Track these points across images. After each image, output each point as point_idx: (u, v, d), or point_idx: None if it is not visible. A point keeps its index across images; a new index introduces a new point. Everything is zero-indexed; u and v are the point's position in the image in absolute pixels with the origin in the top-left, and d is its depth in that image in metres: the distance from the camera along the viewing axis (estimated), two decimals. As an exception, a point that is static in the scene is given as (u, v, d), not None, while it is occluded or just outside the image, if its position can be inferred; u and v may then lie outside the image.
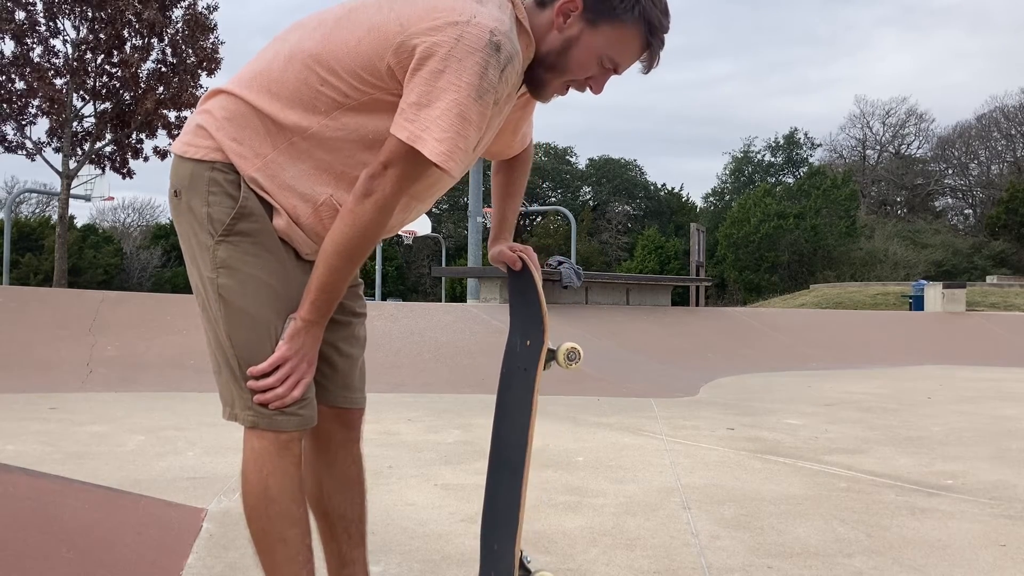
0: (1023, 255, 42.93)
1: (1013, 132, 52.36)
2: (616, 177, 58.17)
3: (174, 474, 3.33)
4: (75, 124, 19.96)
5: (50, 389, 5.74)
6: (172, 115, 20.32)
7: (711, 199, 59.40)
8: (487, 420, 4.91)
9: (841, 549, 2.50)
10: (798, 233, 43.30)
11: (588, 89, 1.54)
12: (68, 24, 19.76)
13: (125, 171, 20.91)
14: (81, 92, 19.81)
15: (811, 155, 56.83)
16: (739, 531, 2.68)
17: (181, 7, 20.01)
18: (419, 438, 4.31)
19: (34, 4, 19.38)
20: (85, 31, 19.68)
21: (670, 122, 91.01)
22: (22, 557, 1.85)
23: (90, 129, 20.19)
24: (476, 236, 13.86)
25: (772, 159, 57.46)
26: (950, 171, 55.64)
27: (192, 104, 20.19)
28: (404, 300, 37.52)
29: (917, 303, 17.71)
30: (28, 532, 1.96)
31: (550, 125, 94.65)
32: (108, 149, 20.60)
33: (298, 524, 1.50)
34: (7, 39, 19.15)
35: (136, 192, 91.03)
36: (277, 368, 1.46)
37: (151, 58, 19.96)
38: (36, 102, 19.44)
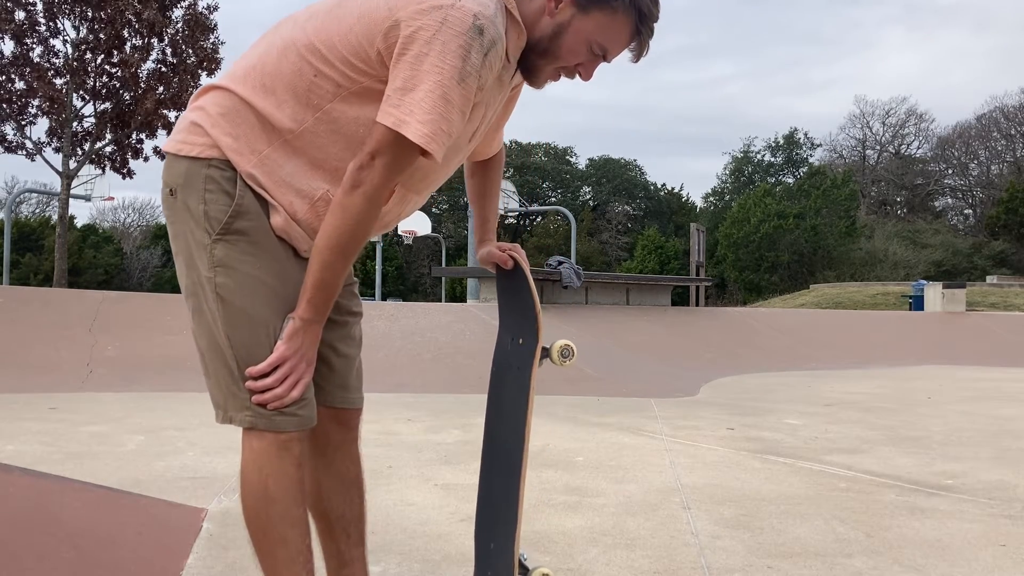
0: (1023, 255, 42.92)
1: (1013, 132, 52.36)
2: (616, 177, 58.17)
3: (174, 474, 3.33)
4: (75, 124, 19.95)
5: (50, 389, 5.74)
6: (172, 115, 20.30)
7: (711, 199, 59.44)
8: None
9: (841, 549, 2.50)
10: (798, 233, 43.31)
11: (577, 76, 1.55)
12: (68, 24, 19.76)
13: (125, 171, 20.90)
14: (81, 92, 19.80)
15: (811, 155, 56.89)
16: (739, 531, 2.68)
17: (181, 7, 20.00)
18: (419, 438, 4.31)
19: (34, 4, 19.37)
20: (85, 31, 19.68)
21: (673, 122, 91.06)
22: (22, 557, 1.85)
23: (90, 129, 20.18)
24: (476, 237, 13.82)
25: (772, 159, 57.48)
26: (950, 171, 55.65)
27: (192, 104, 20.17)
28: (404, 300, 37.51)
29: (917, 303, 17.72)
30: (28, 532, 1.96)
31: (551, 124, 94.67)
32: (108, 149, 20.59)
33: (298, 525, 1.49)
34: (7, 39, 19.14)
35: (136, 192, 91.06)
36: (276, 368, 1.44)
37: (151, 58, 19.95)
38: (36, 102, 19.43)
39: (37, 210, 49.73)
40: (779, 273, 43.94)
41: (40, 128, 22.17)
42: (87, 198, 24.49)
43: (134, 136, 20.49)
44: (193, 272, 1.48)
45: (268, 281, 1.47)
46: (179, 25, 19.99)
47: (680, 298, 18.96)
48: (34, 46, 19.53)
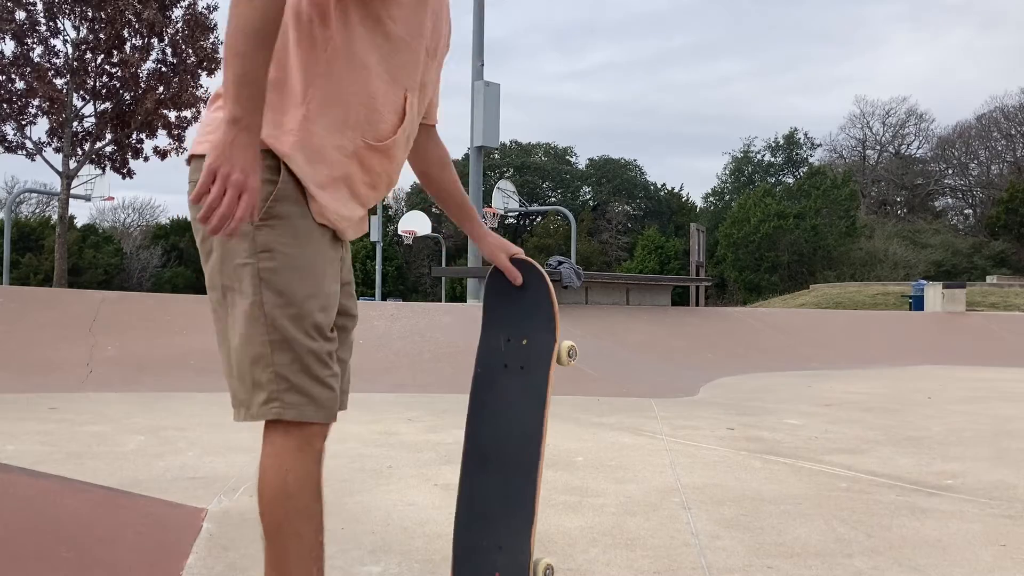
0: (1023, 255, 42.93)
1: (1013, 132, 52.37)
2: (616, 177, 58.19)
3: (174, 474, 3.33)
4: (75, 124, 19.95)
5: (50, 389, 5.74)
6: (172, 115, 20.31)
7: (711, 199, 59.45)
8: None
9: (841, 549, 2.50)
10: (798, 233, 43.32)
11: None
12: (68, 24, 19.75)
13: (125, 171, 20.90)
14: (81, 92, 19.80)
15: (811, 155, 56.91)
16: (739, 531, 2.67)
17: (181, 7, 20.00)
18: (419, 438, 4.30)
19: (34, 4, 19.36)
20: (85, 31, 19.68)
21: (676, 122, 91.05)
22: (22, 557, 1.85)
23: (90, 129, 20.18)
24: (476, 236, 13.83)
25: (772, 159, 57.49)
26: (950, 171, 55.67)
27: (192, 104, 20.19)
28: (404, 300, 37.52)
29: (917, 303, 17.72)
30: (28, 532, 1.96)
31: (551, 124, 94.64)
32: (108, 149, 20.59)
33: (313, 520, 1.48)
34: (7, 39, 19.14)
35: (136, 192, 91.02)
36: (211, 185, 1.31)
37: (151, 58, 19.95)
38: (36, 102, 19.43)
39: (37, 210, 49.75)
40: (779, 273, 43.95)
41: (40, 128, 22.17)
42: (87, 198, 24.52)
43: (134, 136, 20.49)
44: (229, 264, 1.45)
45: (309, 266, 1.46)
46: (179, 25, 19.99)
47: (680, 298, 18.96)
48: (34, 46, 19.53)
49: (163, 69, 20.02)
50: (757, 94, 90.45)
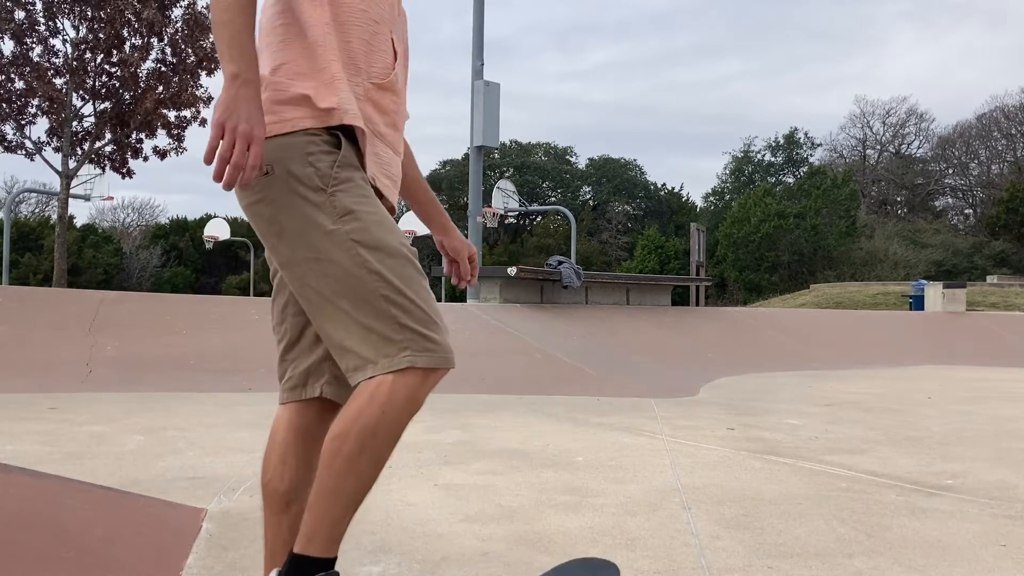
0: (1023, 255, 42.92)
1: (1013, 132, 52.36)
2: (616, 177, 58.17)
3: (174, 474, 3.33)
4: (75, 124, 19.95)
5: (50, 389, 5.74)
6: (172, 115, 20.31)
7: (711, 199, 59.43)
8: (487, 420, 4.92)
9: (841, 549, 2.50)
10: (798, 233, 43.31)
11: None
12: (68, 24, 19.75)
13: (125, 171, 20.90)
14: (81, 92, 19.80)
15: (811, 155, 56.88)
16: (739, 531, 2.67)
17: (181, 7, 20.00)
18: (419, 438, 4.30)
19: (34, 4, 19.36)
20: (85, 31, 19.67)
21: (677, 121, 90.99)
22: (22, 557, 1.84)
23: (90, 129, 20.18)
24: (476, 236, 13.86)
25: (772, 159, 57.47)
26: (950, 171, 55.66)
27: (192, 104, 20.19)
28: (404, 300, 37.34)
29: (917, 303, 17.72)
30: (28, 532, 1.96)
31: (551, 124, 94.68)
32: (108, 149, 20.59)
33: (380, 466, 1.48)
34: (7, 39, 19.14)
35: (136, 192, 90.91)
36: (220, 139, 1.37)
37: (151, 58, 19.95)
38: (36, 102, 19.43)
39: (36, 210, 49.74)
40: (779, 273, 43.94)
41: (40, 128, 22.19)
42: (87, 198, 24.50)
43: (134, 136, 20.49)
44: (312, 236, 1.47)
45: (387, 220, 1.52)
46: (179, 25, 19.99)
47: (680, 298, 18.96)
48: (34, 46, 19.53)
49: (163, 69, 20.01)
50: (759, 94, 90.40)
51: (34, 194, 44.80)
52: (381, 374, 1.45)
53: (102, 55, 19.65)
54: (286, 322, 1.69)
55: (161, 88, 19.83)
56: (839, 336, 11.49)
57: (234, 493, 3.00)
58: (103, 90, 19.87)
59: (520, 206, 31.87)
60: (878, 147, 58.42)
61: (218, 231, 34.07)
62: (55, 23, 19.67)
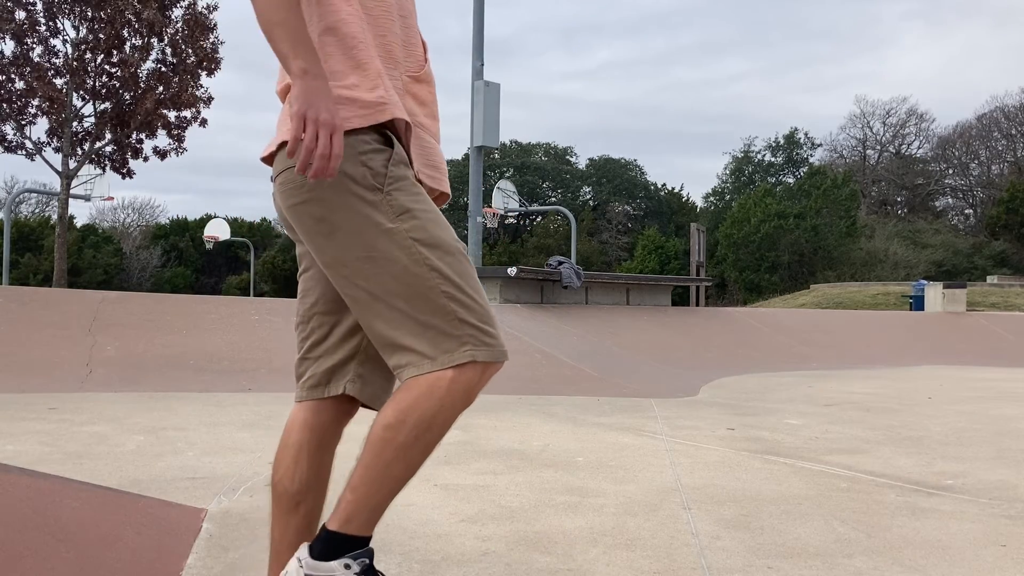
0: (1023, 255, 42.92)
1: (1013, 132, 52.37)
2: (616, 177, 58.18)
3: (174, 474, 3.33)
4: (75, 124, 19.95)
5: (50, 389, 5.74)
6: (172, 115, 20.32)
7: (711, 199, 59.42)
8: (487, 420, 4.92)
9: (841, 549, 2.50)
10: (798, 233, 43.31)
11: None
12: (68, 24, 19.76)
13: (125, 171, 20.91)
14: (81, 92, 19.81)
15: (811, 155, 56.87)
16: (739, 531, 2.67)
17: (181, 7, 20.01)
18: (419, 438, 4.29)
19: (34, 4, 19.37)
20: (85, 31, 19.68)
21: (679, 121, 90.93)
22: (22, 557, 1.84)
23: (90, 129, 20.19)
24: (476, 236, 13.86)
25: (772, 159, 57.46)
26: (950, 171, 55.66)
27: (192, 104, 20.19)
28: (404, 300, 37.36)
29: (917, 303, 17.73)
30: (28, 532, 1.96)
31: (551, 124, 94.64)
32: (108, 149, 20.59)
33: (426, 456, 1.49)
34: (7, 39, 19.15)
35: (136, 192, 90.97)
36: (303, 133, 1.39)
37: (151, 58, 19.96)
38: (36, 102, 19.44)
39: (37, 210, 49.76)
40: (779, 273, 43.94)
41: (40, 128, 22.20)
42: (87, 198, 24.51)
43: (134, 136, 20.50)
44: (368, 235, 1.47)
45: (441, 218, 1.52)
46: (179, 25, 19.99)
47: (680, 298, 18.96)
48: (34, 46, 19.54)
49: (163, 69, 20.02)
50: (761, 93, 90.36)
51: (34, 194, 44.84)
52: (440, 369, 1.45)
53: (102, 55, 19.66)
54: (313, 320, 1.68)
55: (161, 88, 19.84)
56: (839, 336, 11.49)
57: (234, 493, 3.00)
58: (103, 90, 19.88)
59: (520, 206, 31.88)
60: (878, 147, 58.45)
61: (218, 231, 34.22)
62: (55, 23, 19.67)
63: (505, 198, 28.34)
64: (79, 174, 20.98)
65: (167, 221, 53.02)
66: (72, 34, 19.78)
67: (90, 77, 19.63)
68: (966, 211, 56.11)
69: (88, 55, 19.60)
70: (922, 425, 5.11)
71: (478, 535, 2.56)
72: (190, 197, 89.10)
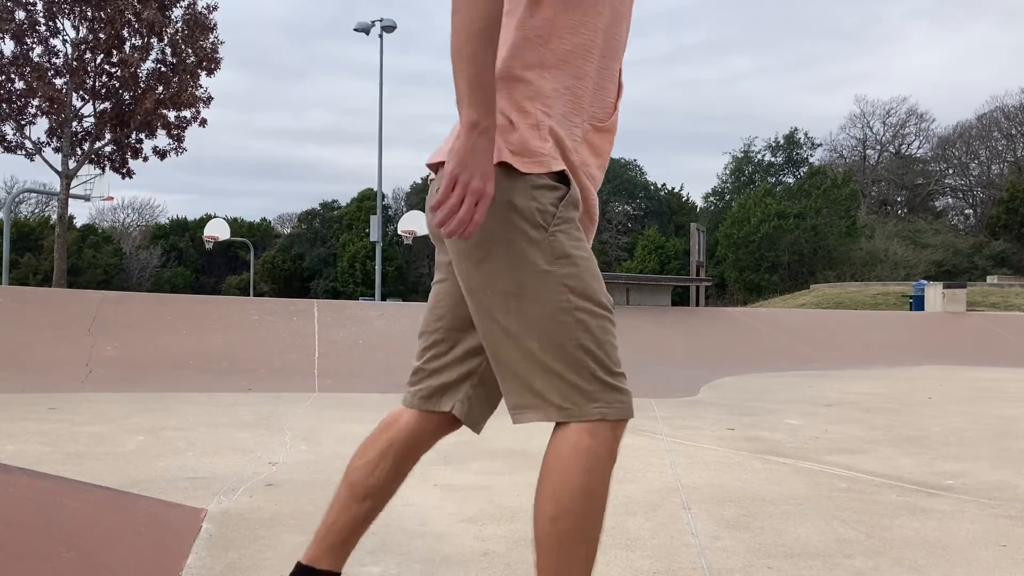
0: (1023, 255, 42.94)
1: (1013, 132, 52.38)
2: (616, 177, 58.17)
3: (174, 474, 3.33)
4: (75, 124, 19.96)
5: (50, 389, 5.74)
6: (171, 115, 20.33)
7: (711, 199, 59.42)
8: (487, 420, 4.91)
9: (841, 549, 2.50)
10: (798, 233, 43.32)
11: None
12: (68, 24, 19.77)
13: (125, 171, 20.92)
14: (81, 92, 19.81)
15: (811, 155, 56.86)
16: (739, 531, 2.67)
17: (181, 7, 20.02)
18: (419, 438, 4.30)
19: (34, 4, 19.38)
20: (85, 31, 19.69)
21: (682, 121, 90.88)
22: (22, 557, 1.84)
23: (90, 129, 20.19)
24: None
25: (772, 159, 57.47)
26: (950, 171, 55.68)
27: (191, 104, 20.20)
28: (404, 300, 37.53)
29: (917, 303, 17.73)
30: (28, 532, 1.96)
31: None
32: (108, 149, 20.60)
33: (601, 524, 1.44)
34: (7, 39, 19.15)
35: (136, 192, 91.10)
36: (452, 190, 1.33)
37: (151, 58, 19.97)
38: (36, 102, 19.45)
39: (36, 210, 49.77)
40: (779, 273, 43.96)
41: (40, 128, 22.20)
42: (86, 198, 24.51)
43: (133, 136, 20.51)
44: (521, 272, 1.41)
45: (595, 268, 1.47)
46: (179, 25, 20.00)
47: (680, 298, 18.97)
48: (34, 46, 19.55)
49: (163, 69, 20.03)
50: (764, 93, 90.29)
51: (34, 194, 44.84)
52: (566, 422, 1.40)
53: (102, 55, 19.67)
54: (438, 334, 1.64)
55: (161, 88, 19.85)
56: (839, 336, 11.49)
57: (234, 493, 3.00)
58: (103, 90, 19.89)
59: (520, 206, 31.82)
60: (878, 147, 58.46)
61: (218, 231, 34.22)
62: (55, 23, 19.68)
63: (505, 198, 28.30)
64: (79, 174, 20.98)
65: (167, 221, 53.07)
66: (72, 34, 19.79)
67: (90, 77, 19.64)
68: (966, 211, 56.15)
69: (88, 55, 19.60)
70: (922, 425, 5.11)
71: (478, 535, 2.56)
72: (190, 197, 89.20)
